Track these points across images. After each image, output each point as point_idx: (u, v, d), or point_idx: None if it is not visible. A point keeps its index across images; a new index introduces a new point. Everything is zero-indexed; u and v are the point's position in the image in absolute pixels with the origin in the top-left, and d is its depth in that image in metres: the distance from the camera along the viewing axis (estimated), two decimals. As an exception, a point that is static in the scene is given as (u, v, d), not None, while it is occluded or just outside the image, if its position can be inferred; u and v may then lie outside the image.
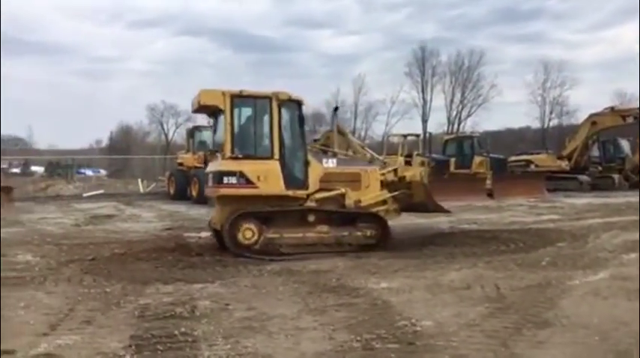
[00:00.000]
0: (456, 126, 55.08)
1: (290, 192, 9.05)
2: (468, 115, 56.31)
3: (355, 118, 57.76)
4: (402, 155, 22.86)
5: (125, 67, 78.09)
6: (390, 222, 9.85)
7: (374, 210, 9.69)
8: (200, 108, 9.39)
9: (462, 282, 6.99)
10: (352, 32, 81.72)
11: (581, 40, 75.54)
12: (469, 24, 74.39)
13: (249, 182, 8.79)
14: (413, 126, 52.33)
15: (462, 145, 23.79)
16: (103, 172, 45.21)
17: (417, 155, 22.54)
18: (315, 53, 78.09)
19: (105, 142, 63.65)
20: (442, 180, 20.77)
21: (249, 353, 4.59)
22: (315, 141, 23.58)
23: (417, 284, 6.92)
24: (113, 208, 18.70)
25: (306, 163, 9.25)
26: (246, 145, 9.04)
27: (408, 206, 10.48)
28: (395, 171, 10.56)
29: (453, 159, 22.64)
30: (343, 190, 9.51)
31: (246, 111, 9.19)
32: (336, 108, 14.09)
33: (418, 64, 55.91)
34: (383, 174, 10.20)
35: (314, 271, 7.83)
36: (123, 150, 53.72)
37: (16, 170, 41.09)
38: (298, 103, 9.23)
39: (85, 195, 24.02)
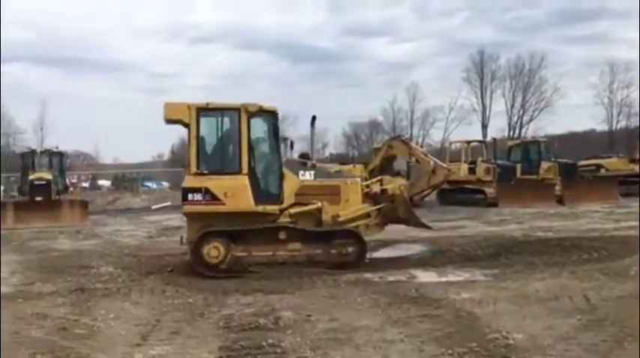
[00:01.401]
0: (517, 131, 53.68)
1: (260, 208, 8.54)
2: (530, 120, 54.77)
3: (412, 126, 57.24)
4: (465, 162, 22.50)
5: (185, 83, 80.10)
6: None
7: (353, 224, 9.10)
8: (168, 122, 8.82)
9: (548, 293, 6.74)
10: (407, 39, 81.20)
11: (648, 38, 72.21)
12: (528, 26, 72.42)
13: (215, 198, 8.34)
14: (472, 132, 51.28)
15: (528, 151, 23.10)
16: (165, 185, 46.35)
17: (482, 161, 22.08)
18: (371, 61, 77.99)
19: (167, 155, 65.35)
20: (509, 187, 20.31)
21: (340, 365, 4.56)
22: (377, 149, 23.62)
23: (500, 295, 6.72)
24: (181, 220, 19.09)
25: (281, 176, 8.77)
26: (213, 160, 8.67)
27: (394, 219, 9.78)
28: (380, 181, 9.83)
29: (518, 165, 22.01)
30: (320, 204, 8.89)
31: (214, 125, 8.77)
32: (313, 118, 13.74)
33: (476, 68, 54.88)
34: (367, 186, 9.59)
35: (391, 282, 7.74)
36: (185, 162, 54.85)
37: (84, 184, 42.78)
38: (273, 113, 8.80)
39: (153, 207, 24.69)
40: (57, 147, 20.17)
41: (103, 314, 6.24)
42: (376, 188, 9.63)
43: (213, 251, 8.42)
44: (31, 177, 17.66)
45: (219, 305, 6.63)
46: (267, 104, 8.82)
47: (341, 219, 9.01)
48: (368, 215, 9.39)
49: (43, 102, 59.92)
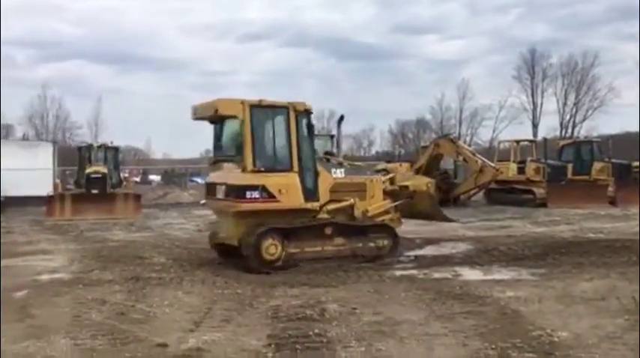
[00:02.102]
0: (569, 130, 52.30)
1: (308, 205, 8.82)
2: (584, 119, 53.27)
3: (460, 124, 56.50)
4: (514, 161, 22.17)
5: (233, 80, 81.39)
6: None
7: (380, 219, 9.57)
8: (215, 117, 8.87)
9: (596, 293, 6.69)
10: (458, 36, 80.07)
11: None
12: (583, 23, 70.42)
13: (271, 196, 8.48)
14: (522, 131, 50.19)
15: (580, 151, 22.56)
16: (212, 180, 46.96)
17: (531, 161, 21.71)
18: (420, 59, 77.29)
19: (214, 152, 66.49)
20: (559, 187, 19.94)
21: (384, 356, 4.69)
22: (424, 147, 23.51)
23: (546, 294, 6.71)
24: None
25: (317, 174, 8.99)
26: (266, 157, 8.74)
27: (410, 214, 10.28)
28: (391, 179, 10.29)
29: (570, 165, 21.55)
30: (352, 200, 9.26)
31: (265, 122, 8.88)
32: (341, 117, 13.68)
33: (527, 67, 53.70)
34: (384, 183, 9.98)
35: (436, 279, 7.81)
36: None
37: (135, 179, 44.08)
38: (308, 112, 8.95)
39: (202, 202, 25.29)
40: (112, 142, 20.94)
41: (158, 301, 6.55)
42: (387, 185, 10.07)
43: (272, 248, 8.53)
44: (87, 170, 18.38)
45: (267, 296, 6.84)
46: (299, 102, 8.94)
47: (370, 214, 9.48)
48: (387, 211, 9.82)
49: (98, 99, 61.88)
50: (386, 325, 5.56)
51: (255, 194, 8.42)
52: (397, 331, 5.35)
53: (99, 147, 20.31)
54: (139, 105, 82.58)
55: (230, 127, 9.05)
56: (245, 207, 8.52)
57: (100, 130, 52.88)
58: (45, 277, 8.08)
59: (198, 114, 9.10)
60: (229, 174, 8.93)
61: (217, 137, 9.28)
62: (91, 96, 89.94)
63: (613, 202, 19.10)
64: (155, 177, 46.60)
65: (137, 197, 18.30)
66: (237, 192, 8.49)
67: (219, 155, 9.37)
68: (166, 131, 78.18)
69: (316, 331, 5.30)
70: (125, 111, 77.04)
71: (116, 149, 20.98)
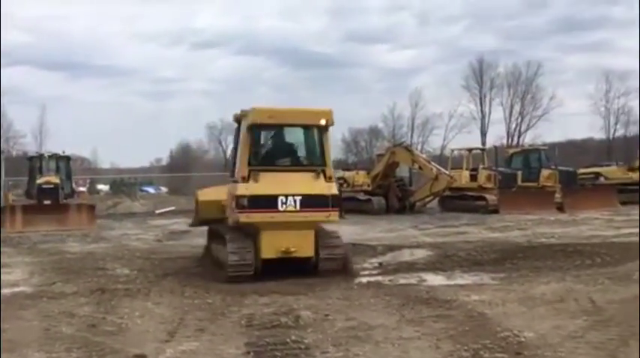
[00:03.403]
0: (515, 139, 54.09)
1: None
2: (528, 128, 55.23)
3: (412, 132, 57.59)
4: (466, 169, 22.80)
5: (186, 88, 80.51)
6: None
7: None
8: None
9: (555, 295, 7.01)
10: (409, 46, 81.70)
11: (645, 47, 72.91)
12: (529, 34, 73.08)
13: None
14: (471, 139, 51.59)
15: (529, 158, 23.43)
16: (163, 190, 46.40)
17: (483, 168, 22.38)
18: (372, 68, 78.43)
19: (165, 160, 65.54)
20: (510, 193, 20.62)
21: (362, 360, 4.81)
22: (379, 156, 23.90)
23: (509, 297, 6.98)
24: (186, 224, 19.30)
25: None
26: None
27: None
28: None
29: (519, 173, 22.33)
30: None
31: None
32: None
33: (476, 76, 55.35)
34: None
35: (402, 285, 8.00)
36: (182, 167, 55.13)
37: (82, 188, 42.94)
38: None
39: (157, 211, 24.93)
40: (63, 152, 20.41)
41: (128, 312, 6.48)
42: None
43: None
44: (39, 181, 17.88)
45: (238, 305, 6.86)
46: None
47: None
48: None
49: (42, 107, 59.97)
50: (360, 330, 5.68)
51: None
52: (372, 336, 5.49)
53: (50, 156, 19.78)
54: (85, 114, 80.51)
55: (307, 136, 8.79)
56: (335, 216, 8.44)
57: (45, 139, 51.26)
58: (6, 291, 7.84)
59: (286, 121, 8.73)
60: (307, 185, 8.39)
61: (276, 145, 8.83)
62: (35, 105, 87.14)
63: (560, 208, 19.89)
64: (103, 187, 45.53)
65: (91, 207, 17.92)
66: (332, 200, 8.38)
67: (281, 163, 8.73)
68: (114, 140, 76.42)
69: (293, 338, 5.38)
70: (71, 119, 75.17)
71: (68, 158, 20.47)
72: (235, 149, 9.15)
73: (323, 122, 8.53)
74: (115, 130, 71.06)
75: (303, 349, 5.10)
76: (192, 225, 12.05)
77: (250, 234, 8.41)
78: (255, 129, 8.48)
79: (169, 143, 78.53)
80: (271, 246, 8.26)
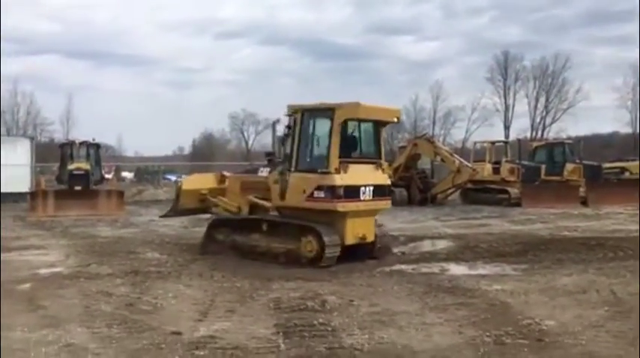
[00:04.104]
0: (540, 132, 53.57)
1: None
2: (553, 121, 54.65)
3: (433, 125, 57.38)
4: (489, 162, 22.77)
5: (209, 77, 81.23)
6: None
7: None
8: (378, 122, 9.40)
9: (576, 287, 7.13)
10: (432, 38, 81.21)
11: (676, 40, 71.33)
12: (556, 27, 72.08)
13: None
14: (493, 132, 51.29)
15: (553, 152, 23.31)
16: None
17: (506, 161, 22.33)
18: (395, 59, 78.15)
19: (187, 150, 66.29)
20: (533, 187, 20.57)
21: (387, 342, 5.02)
22: (401, 147, 23.97)
23: (530, 288, 7.13)
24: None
25: None
26: None
27: None
28: None
29: (543, 166, 22.23)
30: None
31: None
32: (274, 122, 14.06)
33: (500, 69, 54.90)
34: None
35: (424, 273, 8.18)
36: (205, 156, 55.73)
37: (108, 176, 43.72)
38: None
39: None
40: (94, 139, 20.89)
41: (161, 293, 6.78)
42: None
43: None
44: (70, 167, 18.36)
45: (265, 289, 7.11)
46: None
47: None
48: None
49: (69, 95, 61.09)
50: (384, 315, 5.89)
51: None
52: (396, 320, 5.69)
53: (81, 143, 20.26)
54: (110, 102, 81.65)
55: (374, 131, 9.47)
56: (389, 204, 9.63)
57: (72, 127, 52.22)
58: (44, 271, 8.22)
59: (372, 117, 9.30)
60: (375, 176, 9.22)
61: (352, 139, 9.29)
62: (62, 93, 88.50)
63: (584, 202, 19.80)
64: (128, 174, 46.26)
65: (120, 194, 18.30)
66: (388, 190, 9.53)
67: (354, 156, 9.24)
68: (138, 128, 77.52)
69: (320, 321, 5.61)
70: (96, 107, 76.15)
71: (98, 146, 20.96)
72: (294, 139, 9.23)
73: (396, 119, 9.57)
74: (138, 119, 72.23)
75: (330, 331, 5.33)
76: (168, 215, 12.07)
77: (322, 222, 8.89)
78: (346, 123, 9.02)
79: (192, 132, 79.31)
80: (352, 233, 8.96)
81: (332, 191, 8.66)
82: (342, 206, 8.69)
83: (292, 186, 9.07)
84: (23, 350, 4.68)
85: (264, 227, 9.30)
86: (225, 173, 11.10)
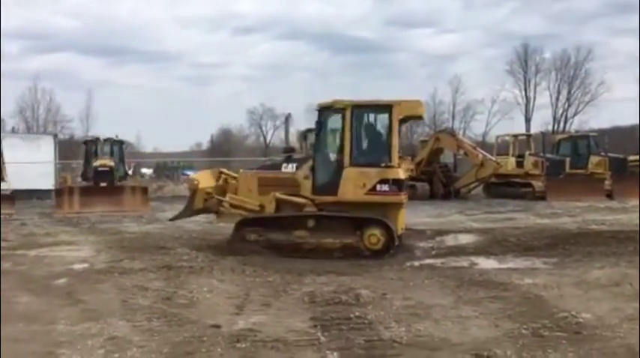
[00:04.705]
0: (562, 124, 52.99)
1: None
2: (575, 113, 53.99)
3: (453, 118, 56.99)
4: (512, 155, 22.63)
5: (227, 73, 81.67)
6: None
7: None
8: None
9: (609, 280, 7.09)
10: (452, 30, 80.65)
11: (700, 30, 70.04)
12: (577, 17, 71.16)
13: None
14: (514, 125, 50.85)
15: (577, 145, 23.10)
16: (205, 173, 46.98)
17: (530, 155, 22.16)
18: (414, 53, 77.76)
19: (205, 145, 66.63)
20: (558, 180, 20.41)
21: (425, 335, 5.04)
22: (423, 141, 23.88)
23: (563, 281, 7.10)
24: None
25: None
26: None
27: None
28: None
29: (567, 159, 22.03)
30: None
31: None
32: (287, 116, 14.28)
33: (520, 61, 54.34)
34: None
35: (454, 267, 8.18)
36: (223, 152, 55.98)
37: (129, 172, 44.10)
38: None
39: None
40: (117, 136, 21.09)
41: (196, 288, 6.86)
42: None
43: None
44: (95, 163, 18.58)
45: (297, 283, 7.17)
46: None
47: None
48: None
49: (88, 91, 61.59)
50: (419, 308, 5.91)
51: None
52: (431, 314, 5.71)
53: (105, 140, 20.48)
54: (128, 98, 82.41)
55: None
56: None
57: (91, 123, 52.76)
58: (78, 266, 8.36)
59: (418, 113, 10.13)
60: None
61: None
62: (81, 89, 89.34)
63: (610, 195, 19.61)
64: (147, 171, 46.68)
65: (144, 190, 18.51)
66: None
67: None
68: (156, 124, 78.04)
69: (357, 314, 5.65)
70: (114, 104, 76.91)
71: (121, 142, 21.17)
72: (345, 135, 9.33)
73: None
74: (157, 115, 72.75)
75: (367, 324, 5.37)
76: (182, 217, 11.21)
77: (378, 215, 9.25)
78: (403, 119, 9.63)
79: (210, 128, 79.77)
80: (400, 225, 9.56)
81: (398, 184, 9.10)
82: (403, 198, 9.29)
83: (349, 180, 9.16)
84: (69, 342, 4.79)
85: (311, 223, 9.25)
86: (223, 169, 10.87)
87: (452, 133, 22.39)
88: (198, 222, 14.89)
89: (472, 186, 21.63)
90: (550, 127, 52.12)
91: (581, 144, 22.99)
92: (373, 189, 9.04)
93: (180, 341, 4.85)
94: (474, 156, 20.56)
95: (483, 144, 39.15)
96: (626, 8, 70.72)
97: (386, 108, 9.31)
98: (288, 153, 10.75)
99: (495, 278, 7.35)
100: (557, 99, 54.30)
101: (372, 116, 9.56)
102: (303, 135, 24.10)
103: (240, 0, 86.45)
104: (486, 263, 8.52)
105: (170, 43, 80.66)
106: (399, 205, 9.35)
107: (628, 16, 73.58)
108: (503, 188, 21.56)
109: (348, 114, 9.27)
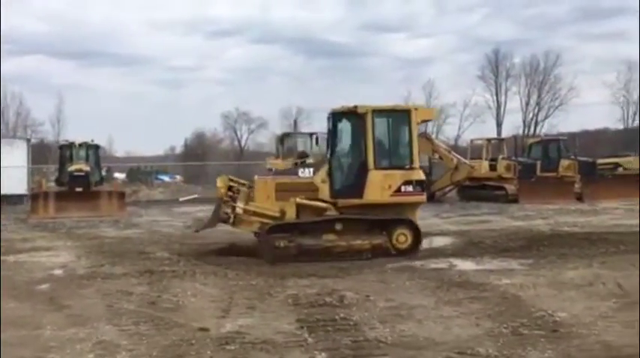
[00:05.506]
0: (532, 128, 53.96)
1: None
2: (545, 117, 55.01)
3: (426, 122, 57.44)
4: (486, 159, 23.01)
5: (201, 76, 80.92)
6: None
7: None
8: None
9: (583, 280, 7.34)
10: (425, 35, 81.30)
11: (664, 37, 72.21)
12: (548, 23, 72.58)
13: None
14: (485, 129, 51.55)
15: (548, 148, 23.57)
16: (178, 178, 46.87)
17: (503, 158, 22.57)
18: (388, 57, 78.24)
19: (179, 149, 66.02)
20: (530, 183, 20.83)
21: (409, 335, 5.19)
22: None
23: (539, 282, 7.32)
24: (211, 211, 19.67)
25: None
26: None
27: None
28: None
29: (538, 163, 22.50)
30: None
31: None
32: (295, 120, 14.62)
33: (492, 66, 55.17)
34: None
35: (434, 269, 8.36)
36: (197, 156, 55.57)
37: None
38: None
39: (181, 199, 25.43)
40: (92, 140, 20.87)
41: (180, 292, 6.91)
42: None
43: None
44: (70, 168, 18.35)
45: (280, 286, 7.25)
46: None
47: None
48: None
49: (59, 95, 60.57)
50: (402, 309, 6.06)
51: None
52: (413, 314, 5.87)
53: (80, 145, 20.25)
54: (100, 102, 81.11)
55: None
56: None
57: (62, 127, 51.86)
58: (59, 272, 8.33)
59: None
60: None
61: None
62: (52, 93, 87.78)
63: (580, 198, 20.08)
64: (120, 175, 46.07)
65: (121, 195, 18.35)
66: None
67: None
68: (129, 128, 76.95)
69: (342, 315, 5.78)
70: (86, 107, 75.64)
71: (97, 147, 20.97)
72: (367, 139, 9.55)
73: None
74: (129, 119, 71.75)
75: (352, 325, 5.50)
76: (208, 226, 10.40)
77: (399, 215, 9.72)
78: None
79: (184, 132, 79.06)
80: None
81: (421, 185, 9.62)
82: (424, 198, 9.79)
83: (374, 182, 9.43)
84: (58, 347, 4.81)
85: (339, 226, 9.40)
86: (232, 177, 10.49)
87: (427, 137, 22.63)
88: (176, 227, 14.93)
89: (447, 189, 21.95)
90: (520, 131, 53.04)
91: (552, 148, 23.49)
92: (398, 190, 9.41)
93: (169, 345, 4.91)
94: (449, 159, 20.88)
95: (456, 148, 39.66)
96: (594, 14, 72.59)
97: (404, 113, 9.79)
98: (302, 159, 10.77)
99: (474, 279, 7.55)
100: (528, 103, 55.25)
101: (391, 120, 9.88)
102: (280, 139, 24.23)
103: (214, 4, 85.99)
104: (464, 264, 8.72)
105: (144, 47, 79.70)
106: (418, 205, 9.83)
107: (596, 21, 75.37)
108: (477, 191, 21.89)
109: (369, 119, 9.51)
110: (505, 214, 16.22)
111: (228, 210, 9.65)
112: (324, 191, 9.60)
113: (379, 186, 9.41)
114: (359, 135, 9.67)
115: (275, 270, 8.32)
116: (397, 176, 9.47)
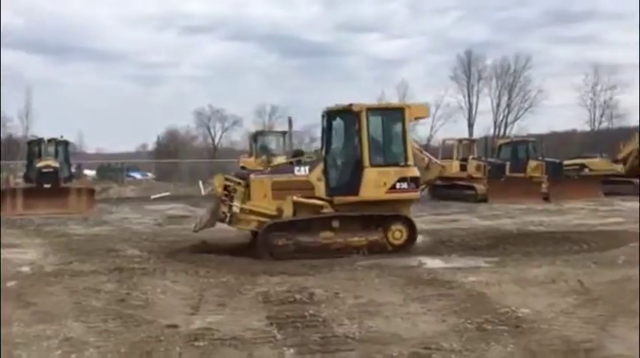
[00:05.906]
0: (502, 129, 54.82)
1: None
2: (515, 119, 55.96)
3: (399, 122, 57.87)
4: (457, 159, 23.34)
5: (174, 73, 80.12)
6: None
7: None
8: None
9: (546, 277, 7.53)
10: (399, 36, 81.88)
11: (634, 41, 74.11)
12: (519, 26, 73.70)
13: None
14: (457, 129, 52.22)
15: (517, 149, 24.03)
16: (150, 176, 46.40)
17: (473, 159, 22.93)
18: (362, 57, 78.56)
19: (151, 146, 65.25)
20: (499, 183, 21.20)
21: (376, 331, 5.28)
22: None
23: (504, 279, 7.50)
24: (182, 209, 19.63)
25: None
26: None
27: None
28: None
29: (508, 163, 22.91)
30: None
31: None
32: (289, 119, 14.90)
33: (464, 67, 55.90)
34: None
35: (403, 267, 8.48)
36: (169, 153, 54.97)
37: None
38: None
39: (152, 197, 25.23)
40: (62, 137, 20.55)
41: (150, 289, 6.90)
42: None
43: None
44: (38, 164, 18.07)
45: (251, 284, 7.30)
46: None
47: None
48: None
49: (28, 90, 59.22)
50: (370, 306, 6.16)
51: None
52: (381, 311, 5.96)
53: (49, 141, 19.93)
54: (71, 97, 79.73)
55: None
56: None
57: (31, 123, 50.77)
58: (26, 269, 8.23)
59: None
60: None
61: None
62: (20, 88, 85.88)
63: (547, 198, 20.52)
64: (89, 172, 45.36)
65: (91, 192, 18.16)
66: None
67: None
68: (99, 124, 75.66)
69: (311, 312, 5.85)
70: (56, 103, 74.34)
71: (66, 143, 20.65)
72: (362, 137, 9.67)
73: None
74: (100, 115, 70.63)
75: (321, 322, 5.57)
76: (207, 226, 10.02)
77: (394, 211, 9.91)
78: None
79: (156, 128, 78.19)
80: None
81: (415, 181, 9.79)
82: (419, 194, 10.02)
83: (369, 180, 9.56)
84: (25, 344, 4.78)
85: (336, 224, 9.49)
86: (227, 176, 10.29)
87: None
88: (146, 224, 14.86)
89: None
90: (491, 132, 53.83)
91: (521, 149, 23.95)
92: (393, 187, 9.57)
93: (137, 341, 4.91)
94: (420, 159, 20.83)
95: (427, 147, 40.09)
96: (564, 18, 74.00)
97: (398, 111, 9.96)
98: (298, 158, 10.83)
99: (442, 276, 7.69)
100: (499, 105, 56.16)
101: (384, 118, 9.98)
102: (254, 137, 24.21)
103: (188, 0, 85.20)
104: (433, 262, 8.86)
105: (115, 42, 78.52)
106: (411, 201, 10.01)
107: (566, 25, 76.85)
108: (448, 190, 22.18)
109: (363, 117, 9.60)
110: (474, 213, 16.50)
111: (225, 209, 9.52)
112: (320, 189, 9.67)
113: (374, 184, 9.56)
114: (354, 133, 9.76)
115: (246, 268, 8.35)
116: (392, 173, 9.64)
